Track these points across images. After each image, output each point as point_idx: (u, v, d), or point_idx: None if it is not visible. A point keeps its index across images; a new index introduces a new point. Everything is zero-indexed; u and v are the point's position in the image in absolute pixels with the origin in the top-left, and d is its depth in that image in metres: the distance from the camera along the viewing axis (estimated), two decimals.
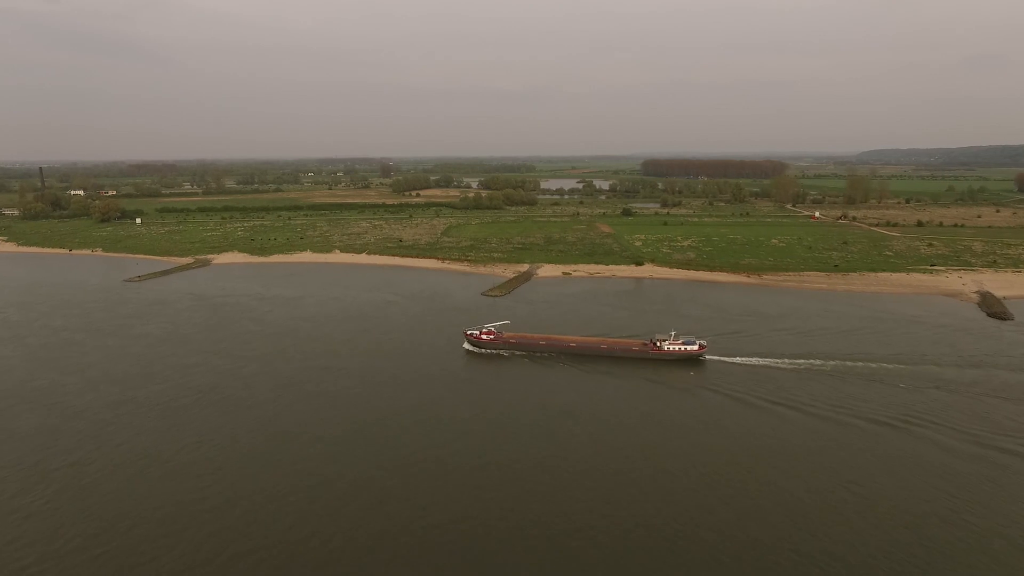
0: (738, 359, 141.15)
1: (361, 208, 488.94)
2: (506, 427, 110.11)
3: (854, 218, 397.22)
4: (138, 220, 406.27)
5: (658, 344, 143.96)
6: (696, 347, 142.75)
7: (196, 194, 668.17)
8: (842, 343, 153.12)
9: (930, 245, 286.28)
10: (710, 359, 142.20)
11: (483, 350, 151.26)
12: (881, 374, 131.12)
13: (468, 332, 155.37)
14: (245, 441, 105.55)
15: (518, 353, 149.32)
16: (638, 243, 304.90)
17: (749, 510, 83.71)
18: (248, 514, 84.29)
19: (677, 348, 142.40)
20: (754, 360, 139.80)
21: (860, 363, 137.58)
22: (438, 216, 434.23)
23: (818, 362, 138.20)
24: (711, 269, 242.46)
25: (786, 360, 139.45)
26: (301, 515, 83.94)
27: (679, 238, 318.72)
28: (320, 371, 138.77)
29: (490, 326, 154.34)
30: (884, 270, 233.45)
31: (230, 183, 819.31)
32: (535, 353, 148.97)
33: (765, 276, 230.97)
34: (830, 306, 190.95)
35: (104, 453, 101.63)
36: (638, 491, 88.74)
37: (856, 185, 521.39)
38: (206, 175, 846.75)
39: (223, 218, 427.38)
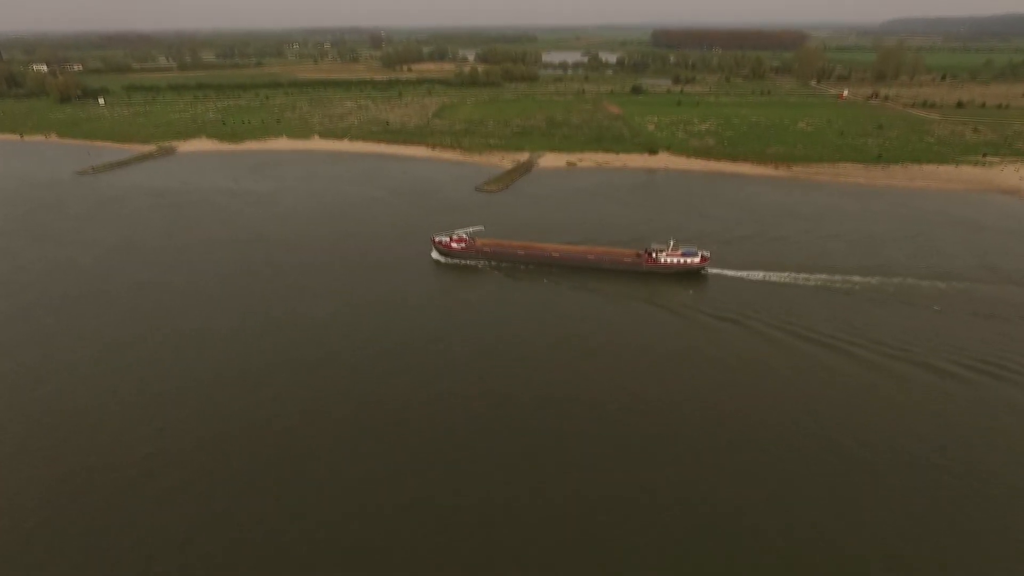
0: (759, 274, 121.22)
1: (347, 85, 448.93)
2: (501, 366, 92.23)
3: (886, 98, 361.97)
4: (101, 100, 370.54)
5: (653, 255, 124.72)
6: (698, 259, 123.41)
7: (171, 69, 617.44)
8: (891, 254, 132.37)
9: (976, 130, 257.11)
10: (725, 274, 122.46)
11: (452, 260, 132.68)
12: (949, 296, 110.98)
13: (436, 239, 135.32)
14: (194, 391, 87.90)
15: (493, 264, 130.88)
16: (651, 127, 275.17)
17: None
18: (185, 493, 67.98)
19: (675, 261, 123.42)
20: (783, 276, 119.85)
21: (920, 281, 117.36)
22: (430, 95, 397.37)
23: (865, 280, 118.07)
24: (734, 159, 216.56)
25: (825, 276, 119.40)
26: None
27: (695, 120, 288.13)
28: (292, 291, 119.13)
29: (461, 232, 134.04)
30: (929, 161, 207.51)
31: (208, 57, 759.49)
32: (512, 264, 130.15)
33: (795, 168, 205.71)
34: (871, 205, 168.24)
35: (13, 410, 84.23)
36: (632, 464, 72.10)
37: (887, 59, 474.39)
38: (182, 48, 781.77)
39: (195, 97, 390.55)
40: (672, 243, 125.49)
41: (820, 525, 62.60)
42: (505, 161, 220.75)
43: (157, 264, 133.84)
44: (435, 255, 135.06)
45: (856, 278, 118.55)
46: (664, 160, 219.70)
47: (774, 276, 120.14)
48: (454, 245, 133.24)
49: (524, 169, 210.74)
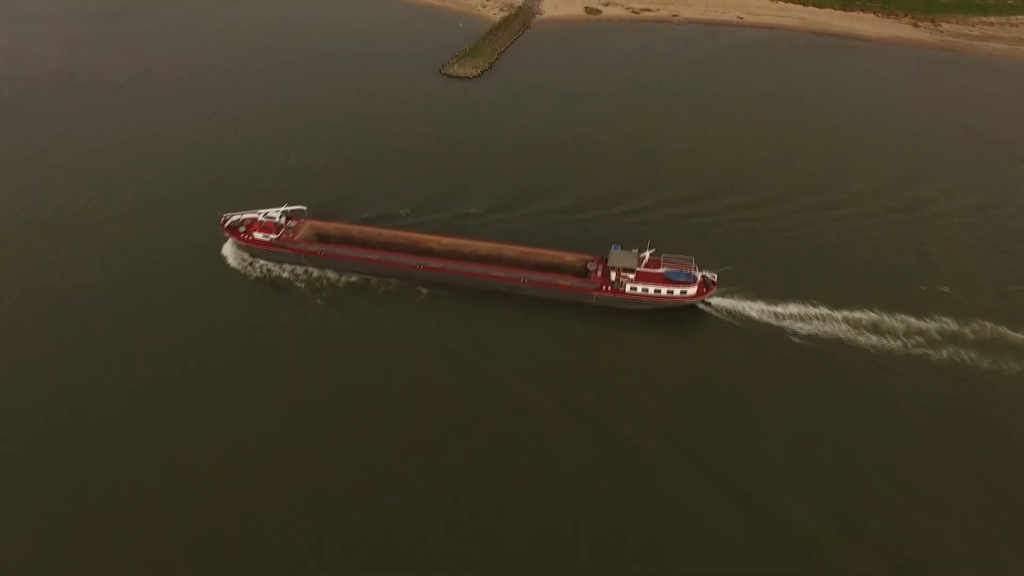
0: (839, 316, 65.71)
1: None
2: None
3: None
4: None
5: (614, 277, 67.44)
6: (692, 288, 66.64)
7: None
8: None
9: None
10: (753, 315, 66.42)
11: (258, 263, 74.41)
12: None
13: (227, 224, 75.58)
14: None
15: (322, 275, 72.70)
16: None
17: None
18: None
19: (651, 291, 67.31)
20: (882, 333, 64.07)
21: None
22: None
23: None
24: (845, 6, 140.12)
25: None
26: None
27: None
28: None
29: (272, 213, 74.59)
30: None
31: None
32: (360, 277, 71.87)
33: (944, 23, 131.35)
34: None
35: None
36: None
37: None
38: None
39: None
40: (647, 253, 68.10)
41: None
42: (490, 7, 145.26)
43: None
44: (228, 251, 75.83)
45: None
46: (736, 5, 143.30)
47: (864, 330, 63.69)
48: (258, 235, 73.43)
49: (519, 25, 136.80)
